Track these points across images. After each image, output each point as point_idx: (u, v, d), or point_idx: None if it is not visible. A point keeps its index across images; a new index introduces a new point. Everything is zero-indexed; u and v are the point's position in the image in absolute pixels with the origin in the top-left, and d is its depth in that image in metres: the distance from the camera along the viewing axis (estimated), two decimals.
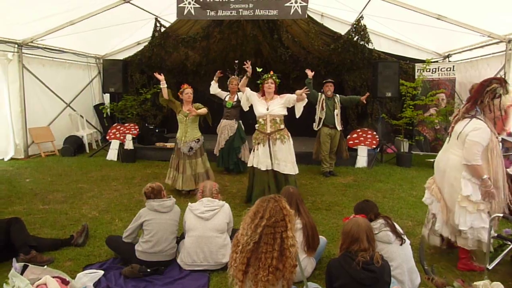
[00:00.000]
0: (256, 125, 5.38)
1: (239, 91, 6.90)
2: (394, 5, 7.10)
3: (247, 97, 5.46)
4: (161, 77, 5.91)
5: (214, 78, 7.04)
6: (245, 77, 5.53)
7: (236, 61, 7.18)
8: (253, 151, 5.37)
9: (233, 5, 6.91)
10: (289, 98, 5.28)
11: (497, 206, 3.47)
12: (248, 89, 5.51)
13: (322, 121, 7.17)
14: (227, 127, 7.19)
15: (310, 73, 6.60)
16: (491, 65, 7.67)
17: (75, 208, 5.28)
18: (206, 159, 6.18)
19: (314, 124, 7.28)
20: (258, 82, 5.49)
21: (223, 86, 7.34)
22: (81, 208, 5.28)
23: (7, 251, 3.60)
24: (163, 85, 5.87)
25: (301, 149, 8.23)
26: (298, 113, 5.40)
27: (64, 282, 2.89)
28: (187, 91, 5.93)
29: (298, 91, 5.21)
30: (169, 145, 8.76)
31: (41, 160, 8.41)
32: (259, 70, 5.53)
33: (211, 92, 7.22)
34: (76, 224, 4.64)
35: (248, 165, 5.49)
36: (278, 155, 5.21)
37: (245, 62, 5.58)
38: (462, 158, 3.44)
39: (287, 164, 5.25)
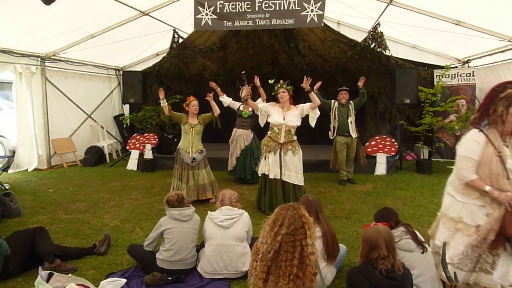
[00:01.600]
0: (269, 132, 5.40)
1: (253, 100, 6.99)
2: (411, 11, 7.06)
3: (263, 112, 5.50)
4: (161, 95, 6.00)
5: (220, 94, 7.04)
6: (248, 99, 5.63)
7: (243, 72, 7.21)
8: (264, 158, 5.39)
9: (249, 15, 6.99)
10: (303, 107, 5.34)
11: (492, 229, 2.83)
12: (260, 105, 5.58)
13: (335, 130, 7.15)
14: (242, 137, 7.22)
15: (307, 86, 6.21)
16: None
17: (97, 218, 5.38)
18: (210, 170, 6.23)
19: (329, 133, 7.27)
20: (273, 94, 5.53)
21: (235, 97, 7.39)
22: (103, 218, 5.38)
23: (33, 260, 3.69)
24: (164, 103, 5.97)
25: (319, 157, 8.21)
26: (312, 122, 5.42)
27: None
28: (193, 103, 6.02)
29: (316, 87, 5.36)
30: None
31: (63, 171, 8.61)
32: (271, 82, 5.56)
33: (225, 105, 7.24)
34: (98, 233, 4.73)
35: (260, 172, 5.51)
36: (289, 166, 5.24)
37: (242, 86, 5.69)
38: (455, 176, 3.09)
39: (298, 175, 5.28)
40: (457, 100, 8.46)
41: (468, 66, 9.30)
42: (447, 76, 8.64)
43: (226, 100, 7.19)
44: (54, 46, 8.42)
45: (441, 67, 8.77)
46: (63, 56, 8.85)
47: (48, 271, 3.24)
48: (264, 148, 5.39)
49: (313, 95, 5.27)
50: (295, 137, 5.33)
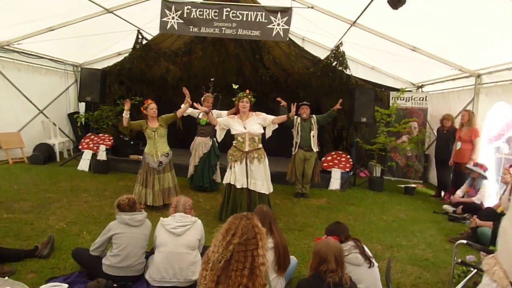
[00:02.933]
0: (234, 142, 5.40)
1: (213, 108, 6.98)
2: (372, 34, 7.36)
3: (223, 125, 5.50)
4: (127, 106, 5.74)
5: (185, 103, 6.85)
6: (209, 113, 5.67)
7: (212, 79, 7.19)
8: (229, 168, 5.37)
9: (216, 23, 7.01)
10: (265, 118, 5.40)
11: None
12: (219, 119, 5.58)
13: (297, 145, 7.27)
14: (201, 144, 7.16)
15: (283, 102, 6.66)
16: (461, 97, 8.02)
17: (42, 219, 5.10)
18: (174, 174, 6.16)
19: (292, 149, 7.37)
20: (234, 99, 5.55)
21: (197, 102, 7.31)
22: (48, 219, 5.11)
23: None
24: (126, 114, 5.71)
25: (276, 169, 8.28)
26: (268, 134, 5.51)
27: None
28: (152, 106, 5.91)
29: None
30: None
31: (8, 167, 8.12)
32: (235, 87, 5.60)
33: (185, 115, 7.11)
34: (42, 235, 4.48)
35: (224, 182, 5.48)
36: (255, 174, 5.26)
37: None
38: None
39: (264, 183, 5.30)
40: (410, 122, 8.87)
41: (422, 91, 9.81)
42: (402, 98, 9.05)
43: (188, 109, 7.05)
44: (8, 36, 7.97)
45: (397, 90, 9.18)
46: (18, 47, 8.41)
47: None
48: (230, 158, 5.37)
49: (282, 117, 5.43)
50: (260, 145, 5.37)
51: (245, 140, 5.28)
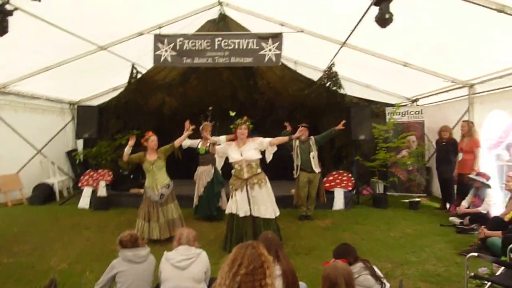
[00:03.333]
0: (233, 171, 5.37)
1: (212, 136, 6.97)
2: (363, 53, 7.46)
3: (221, 154, 5.52)
4: (131, 142, 5.72)
5: (185, 133, 6.56)
6: (213, 145, 5.72)
7: (210, 108, 7.22)
8: (231, 197, 5.32)
9: (209, 53, 7.11)
10: (262, 142, 5.36)
11: None
12: (217, 147, 5.60)
13: (299, 167, 7.20)
14: (204, 173, 7.12)
15: (289, 127, 6.73)
16: (456, 108, 8.07)
17: (43, 260, 5.00)
18: (177, 204, 6.10)
19: (294, 172, 7.30)
20: (231, 127, 5.54)
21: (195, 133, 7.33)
22: (50, 260, 5.01)
23: None
24: (129, 150, 5.71)
25: (278, 192, 8.19)
26: (268, 158, 5.48)
27: None
28: (152, 139, 5.91)
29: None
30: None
31: (7, 210, 8.04)
32: (232, 114, 5.61)
33: (184, 148, 7.13)
34: (44, 278, 4.37)
35: (227, 212, 5.42)
36: (257, 200, 5.20)
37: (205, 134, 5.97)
38: None
39: (268, 208, 5.24)
40: (408, 137, 8.89)
41: (417, 105, 9.87)
42: (397, 113, 9.10)
43: (185, 142, 7.02)
44: (4, 79, 8.04)
45: (392, 105, 9.24)
46: (14, 89, 8.46)
47: None
48: (231, 187, 5.33)
49: (282, 139, 5.40)
50: (259, 170, 5.32)
51: (243, 167, 5.25)
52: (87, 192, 8.49)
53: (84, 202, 8.39)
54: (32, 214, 7.66)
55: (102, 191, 8.31)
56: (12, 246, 5.60)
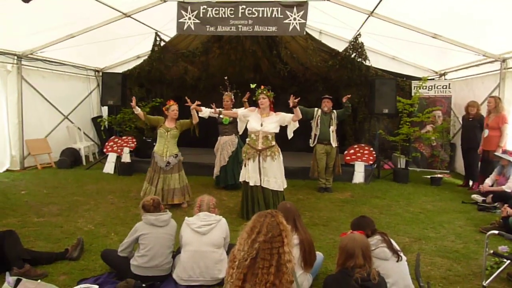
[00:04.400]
0: (247, 139, 5.42)
1: (233, 106, 6.98)
2: (391, 23, 7.22)
3: (242, 117, 5.54)
4: (133, 103, 5.96)
5: (199, 110, 6.49)
6: (221, 111, 5.88)
7: (226, 78, 7.15)
8: (244, 166, 5.39)
9: (232, 21, 7.01)
10: (284, 117, 5.35)
11: None
12: (239, 111, 5.60)
13: (317, 137, 7.15)
14: (228, 143, 7.10)
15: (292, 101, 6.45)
16: (486, 83, 7.79)
17: (70, 221, 5.23)
18: (184, 175, 6.18)
19: (310, 140, 7.29)
20: (254, 99, 5.54)
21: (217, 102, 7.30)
22: (77, 221, 5.24)
23: (1, 265, 3.55)
24: (136, 110, 5.93)
25: (298, 164, 8.25)
26: (290, 133, 5.46)
27: None
28: (173, 108, 5.97)
29: (290, 101, 5.18)
30: None
31: (37, 172, 8.37)
32: (252, 86, 5.57)
33: (206, 117, 6.99)
34: (71, 237, 4.60)
35: (240, 180, 5.51)
36: (268, 172, 5.26)
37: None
38: None
39: (277, 180, 5.30)
40: (434, 111, 8.67)
41: (445, 79, 9.56)
42: (424, 87, 8.85)
43: (205, 112, 6.99)
44: (31, 45, 8.21)
45: (419, 79, 8.98)
46: (40, 55, 8.64)
47: (16, 277, 3.12)
48: (244, 155, 5.39)
49: (297, 110, 5.28)
50: (273, 143, 5.34)
51: (259, 138, 5.28)
52: (111, 157, 8.73)
53: (109, 167, 8.65)
54: (60, 177, 7.95)
55: (126, 157, 8.52)
56: (41, 206, 5.86)
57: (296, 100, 5.15)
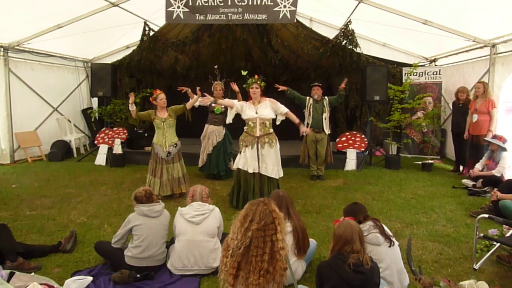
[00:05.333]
0: (245, 128, 5.40)
1: (224, 96, 6.97)
2: (381, 10, 7.19)
3: (239, 108, 5.48)
4: (131, 99, 5.89)
5: (191, 96, 6.68)
6: (217, 100, 5.84)
7: (216, 66, 7.11)
8: (240, 153, 5.38)
9: (222, 9, 6.92)
10: (279, 108, 5.38)
11: None
12: (237, 102, 5.57)
13: (309, 126, 7.12)
14: (214, 133, 7.13)
15: (281, 87, 6.70)
16: (476, 69, 7.83)
17: (63, 214, 5.21)
18: (183, 164, 6.20)
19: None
20: (244, 86, 5.53)
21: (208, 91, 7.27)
22: (69, 214, 5.22)
23: None
24: (132, 107, 5.82)
25: (290, 152, 8.26)
26: (277, 122, 5.52)
27: None
28: (161, 97, 5.93)
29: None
30: None
31: (27, 165, 8.29)
32: (244, 73, 5.55)
33: (196, 106, 7.07)
34: (64, 229, 4.59)
35: (235, 167, 5.50)
36: (266, 159, 5.27)
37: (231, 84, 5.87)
38: None
39: (274, 168, 5.31)
40: (424, 98, 8.71)
41: (435, 65, 9.59)
42: (415, 74, 8.87)
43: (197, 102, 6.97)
44: (18, 36, 8.05)
45: (410, 65, 9.00)
46: (28, 46, 8.49)
47: (10, 270, 3.11)
48: (241, 143, 5.38)
49: (293, 118, 5.43)
50: (271, 130, 5.37)
51: (256, 125, 5.28)
52: (103, 149, 8.67)
53: (101, 159, 8.59)
54: (51, 169, 7.89)
55: (117, 149, 8.47)
56: (34, 200, 5.83)
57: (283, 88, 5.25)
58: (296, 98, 7.09)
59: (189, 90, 6.69)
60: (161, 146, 5.89)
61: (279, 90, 6.70)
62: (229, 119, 5.70)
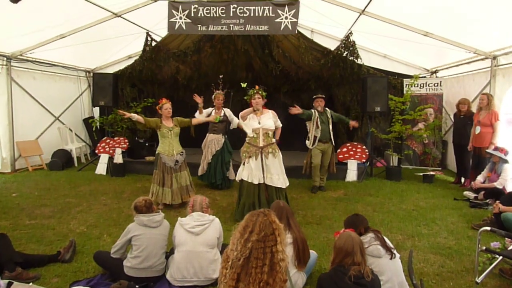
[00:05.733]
0: (247, 138, 5.40)
1: (225, 106, 7.03)
2: (382, 21, 7.24)
3: (242, 120, 5.56)
4: (121, 113, 6.04)
5: (199, 111, 6.86)
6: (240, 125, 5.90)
7: (221, 76, 7.17)
8: (243, 164, 5.36)
9: (224, 20, 6.99)
10: (277, 122, 5.60)
11: None
12: (241, 122, 5.63)
13: (317, 139, 7.02)
14: (214, 141, 7.16)
15: (294, 110, 6.69)
16: (477, 80, 7.84)
17: (63, 223, 5.19)
18: (189, 172, 6.21)
19: (307, 142, 7.12)
20: (245, 98, 5.55)
21: (209, 101, 7.34)
22: (69, 223, 5.19)
23: None
24: (134, 117, 5.85)
25: (291, 163, 8.24)
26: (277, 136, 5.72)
27: None
28: (166, 106, 5.93)
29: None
30: None
31: (28, 174, 8.29)
32: (243, 85, 5.58)
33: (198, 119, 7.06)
34: (64, 239, 4.56)
35: (237, 179, 5.47)
36: (270, 169, 5.26)
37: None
38: None
39: (280, 177, 5.30)
40: (425, 109, 8.72)
41: (436, 76, 9.62)
42: (416, 85, 8.90)
43: (199, 116, 6.95)
44: (21, 46, 8.12)
45: (410, 77, 9.02)
46: (30, 56, 8.55)
47: (8, 280, 3.08)
48: (244, 154, 5.36)
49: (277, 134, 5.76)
50: (273, 140, 5.41)
51: (259, 135, 5.29)
52: (103, 158, 8.67)
53: (101, 168, 8.59)
54: (52, 179, 7.88)
55: (118, 158, 8.47)
56: (33, 209, 5.81)
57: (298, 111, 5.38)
58: (306, 116, 6.97)
59: (201, 104, 6.73)
60: (168, 156, 5.88)
61: (293, 114, 6.67)
62: (233, 126, 5.77)
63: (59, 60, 9.52)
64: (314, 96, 7.26)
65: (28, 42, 8.01)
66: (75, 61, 10.04)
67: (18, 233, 4.73)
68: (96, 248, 4.21)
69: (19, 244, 4.31)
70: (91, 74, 10.55)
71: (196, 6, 7.02)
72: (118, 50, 10.09)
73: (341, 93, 9.79)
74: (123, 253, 3.65)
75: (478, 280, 3.54)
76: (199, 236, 3.55)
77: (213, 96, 7.12)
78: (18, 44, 8.01)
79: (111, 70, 10.27)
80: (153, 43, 8.93)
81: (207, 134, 7.28)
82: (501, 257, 3.68)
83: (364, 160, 8.34)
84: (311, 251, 3.60)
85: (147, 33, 8.89)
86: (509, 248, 3.86)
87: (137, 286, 3.38)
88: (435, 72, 9.71)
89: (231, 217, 5.48)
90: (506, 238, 4.06)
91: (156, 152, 6.01)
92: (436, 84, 9.18)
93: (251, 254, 2.49)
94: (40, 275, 3.65)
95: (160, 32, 9.01)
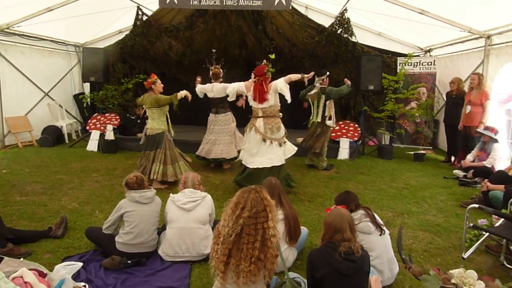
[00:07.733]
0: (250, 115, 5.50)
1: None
2: None
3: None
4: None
5: (197, 84, 6.81)
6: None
7: (214, 50, 7.02)
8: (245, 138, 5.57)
9: None
10: (276, 84, 5.27)
11: None
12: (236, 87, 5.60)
13: (329, 117, 7.04)
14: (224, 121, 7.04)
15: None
16: (470, 60, 7.83)
17: (54, 200, 5.17)
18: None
19: (329, 122, 7.05)
20: (268, 71, 5.32)
21: (205, 78, 7.20)
22: (61, 200, 5.18)
23: None
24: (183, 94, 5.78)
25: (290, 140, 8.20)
26: (288, 99, 5.28)
27: (41, 274, 2.83)
28: (159, 82, 5.89)
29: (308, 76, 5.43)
30: None
31: (18, 151, 8.19)
32: (272, 57, 5.41)
33: (201, 96, 6.91)
34: (55, 216, 4.55)
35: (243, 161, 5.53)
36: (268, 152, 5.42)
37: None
38: None
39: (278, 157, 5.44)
40: (418, 88, 8.71)
41: (430, 55, 9.58)
42: (409, 64, 8.85)
43: (199, 90, 6.86)
44: (7, 18, 7.86)
45: (404, 55, 8.97)
46: (18, 29, 8.31)
47: None
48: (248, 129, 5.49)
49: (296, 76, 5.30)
50: (277, 114, 5.43)
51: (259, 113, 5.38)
52: (95, 135, 8.58)
53: (93, 145, 8.51)
54: (42, 155, 7.80)
55: (109, 135, 8.39)
56: (24, 185, 5.77)
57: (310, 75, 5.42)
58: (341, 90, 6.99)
59: (199, 79, 6.79)
60: (169, 132, 5.92)
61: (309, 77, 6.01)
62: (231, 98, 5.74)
63: (48, 34, 9.27)
64: (328, 73, 7.09)
65: (15, 15, 7.76)
66: (64, 35, 9.78)
67: (9, 210, 4.72)
68: (88, 225, 4.21)
69: (10, 221, 4.30)
70: (81, 49, 10.34)
71: None
72: (109, 24, 9.85)
73: (335, 71, 9.69)
74: (115, 229, 3.66)
75: (465, 256, 3.63)
76: (190, 213, 3.57)
77: (210, 73, 6.91)
78: (4, 17, 7.74)
79: (102, 45, 10.04)
80: (144, 18, 8.72)
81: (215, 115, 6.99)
82: (487, 234, 3.76)
83: (356, 139, 8.36)
84: (302, 227, 3.64)
85: (138, 7, 8.66)
86: (496, 225, 3.94)
87: (129, 262, 3.40)
88: (429, 51, 9.66)
89: (223, 194, 5.51)
90: (493, 215, 4.15)
91: (160, 132, 5.82)
92: (429, 63, 9.15)
93: (243, 230, 2.51)
94: (32, 251, 3.66)
95: (151, 6, 8.78)
